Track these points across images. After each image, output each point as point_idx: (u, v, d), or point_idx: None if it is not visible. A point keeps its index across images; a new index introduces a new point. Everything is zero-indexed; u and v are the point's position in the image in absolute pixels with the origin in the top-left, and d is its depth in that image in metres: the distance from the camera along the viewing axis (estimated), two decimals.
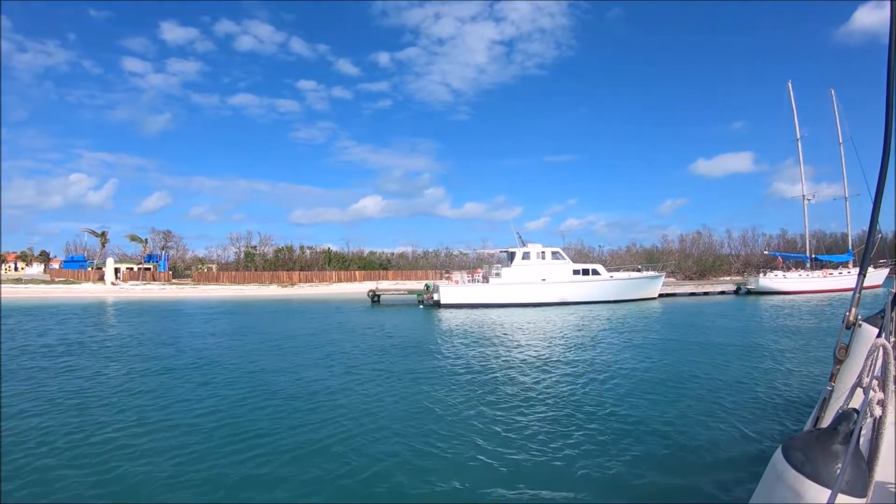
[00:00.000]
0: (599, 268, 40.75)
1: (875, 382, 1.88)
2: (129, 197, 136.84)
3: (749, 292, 46.60)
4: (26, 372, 14.52)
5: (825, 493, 1.63)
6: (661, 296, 42.80)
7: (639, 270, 45.38)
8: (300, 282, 67.74)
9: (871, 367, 1.94)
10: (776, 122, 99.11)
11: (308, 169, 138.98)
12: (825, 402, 2.42)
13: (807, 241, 51.66)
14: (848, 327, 2.46)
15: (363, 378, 13.50)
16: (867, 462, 1.76)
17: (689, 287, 48.93)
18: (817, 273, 47.86)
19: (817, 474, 1.70)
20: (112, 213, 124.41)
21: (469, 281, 40.29)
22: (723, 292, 47.20)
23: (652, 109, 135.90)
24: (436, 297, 38.14)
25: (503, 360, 15.91)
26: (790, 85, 49.90)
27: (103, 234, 71.81)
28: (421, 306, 38.82)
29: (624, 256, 78.10)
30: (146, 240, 72.85)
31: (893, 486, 1.90)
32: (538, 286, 38.01)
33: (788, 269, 50.36)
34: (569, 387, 12.29)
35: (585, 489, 6.81)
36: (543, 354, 16.95)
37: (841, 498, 1.60)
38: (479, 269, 44.16)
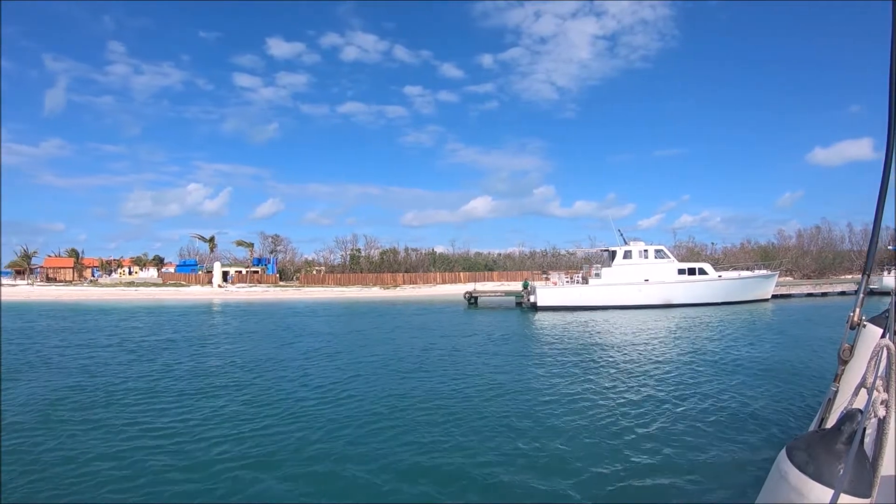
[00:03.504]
0: (707, 267, 39.47)
1: (879, 383, 1.91)
2: (243, 204, 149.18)
3: (872, 292, 43.49)
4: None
5: (828, 493, 1.67)
6: (774, 297, 40.96)
7: (750, 269, 43.59)
8: (403, 283, 70.66)
9: (875, 367, 1.95)
10: None
11: (418, 172, 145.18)
12: (830, 402, 2.47)
13: None
14: (852, 328, 2.51)
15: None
16: (871, 462, 1.80)
17: (805, 287, 46.60)
18: None
19: (820, 474, 1.75)
20: (226, 219, 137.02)
21: (567, 282, 39.84)
22: (843, 293, 44.41)
23: (762, 96, 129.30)
24: (532, 299, 38.00)
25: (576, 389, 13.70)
26: None
27: (211, 240, 78.43)
28: (519, 308, 39.05)
29: (737, 254, 75.07)
30: (252, 244, 78.47)
31: None
32: (640, 287, 37.18)
33: None
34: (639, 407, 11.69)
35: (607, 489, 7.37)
36: (626, 370, 15.87)
37: (845, 498, 1.64)
38: (578, 270, 43.96)
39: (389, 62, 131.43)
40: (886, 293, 41.73)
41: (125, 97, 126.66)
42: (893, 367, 1.90)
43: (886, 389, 1.89)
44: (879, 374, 1.94)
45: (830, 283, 49.26)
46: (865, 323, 2.85)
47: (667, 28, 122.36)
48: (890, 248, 56.90)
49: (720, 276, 38.88)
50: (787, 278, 56.94)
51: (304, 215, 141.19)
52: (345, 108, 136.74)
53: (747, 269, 43.64)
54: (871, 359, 1.99)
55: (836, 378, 2.45)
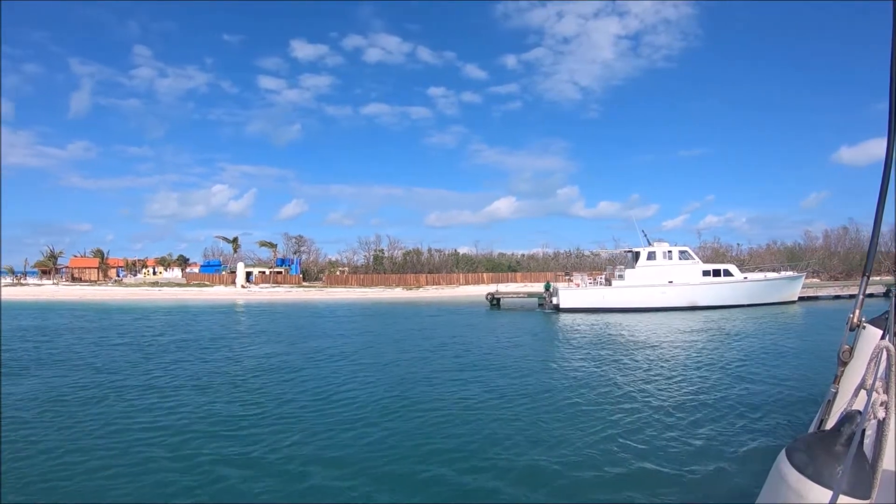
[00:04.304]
0: (732, 268, 39.27)
1: (879, 384, 1.92)
2: (268, 205, 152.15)
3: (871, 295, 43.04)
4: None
5: (828, 494, 1.67)
6: (801, 299, 40.55)
7: (776, 271, 43.20)
8: (427, 284, 71.38)
9: (874, 368, 1.96)
10: None
11: (442, 173, 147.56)
12: (829, 403, 2.47)
13: None
14: (852, 329, 2.52)
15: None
16: (871, 464, 1.80)
17: (832, 289, 46.21)
18: None
19: (819, 476, 1.75)
20: (251, 220, 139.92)
21: (590, 283, 39.82)
22: (871, 294, 43.59)
23: (786, 95, 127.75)
24: (555, 300, 37.98)
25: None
26: None
27: (235, 240, 79.70)
28: (541, 310, 39.20)
29: (763, 255, 74.43)
30: (275, 245, 79.64)
31: None
32: (664, 289, 36.99)
33: None
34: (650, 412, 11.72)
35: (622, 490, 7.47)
36: (647, 373, 15.78)
37: (844, 499, 1.65)
38: (602, 271, 43.91)
39: (413, 63, 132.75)
40: None
41: (151, 100, 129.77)
42: (893, 369, 1.92)
43: (886, 391, 1.91)
44: (879, 375, 1.96)
45: (858, 285, 48.70)
46: (865, 324, 2.86)
47: (690, 27, 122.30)
48: None
49: (746, 278, 38.53)
50: (814, 280, 56.37)
51: (328, 216, 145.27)
52: (368, 109, 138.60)
53: (773, 271, 43.20)
54: (870, 360, 2.01)
55: (836, 379, 2.48)
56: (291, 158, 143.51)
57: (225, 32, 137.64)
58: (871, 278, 2.65)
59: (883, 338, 2.45)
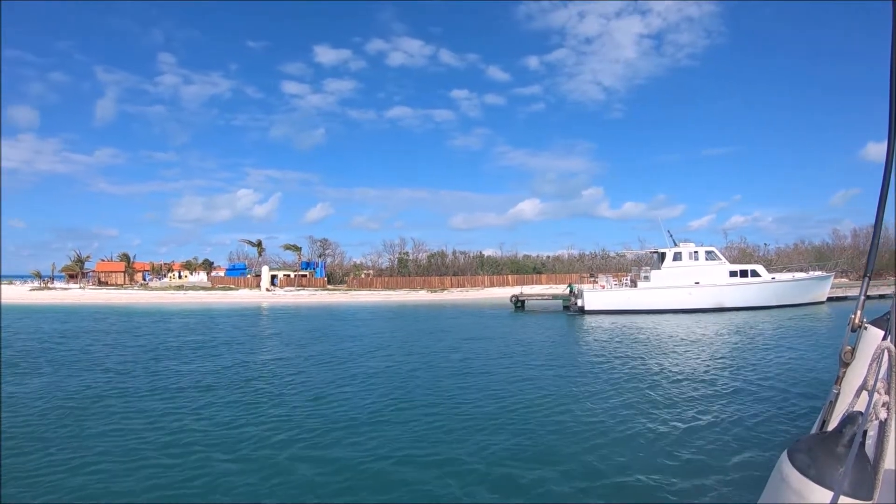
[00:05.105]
0: (759, 268, 39.01)
1: (880, 385, 1.92)
2: (293, 209, 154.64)
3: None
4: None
5: (829, 495, 1.68)
6: (829, 299, 40.11)
7: (804, 271, 42.79)
8: (451, 287, 71.98)
9: (876, 369, 1.96)
10: None
11: (466, 175, 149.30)
12: (831, 405, 2.47)
13: None
14: (854, 330, 2.52)
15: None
16: (872, 465, 1.81)
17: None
18: None
19: (821, 477, 1.76)
20: (276, 224, 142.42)
21: (615, 285, 39.80)
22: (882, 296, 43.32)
23: (812, 92, 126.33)
24: (580, 302, 37.84)
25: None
26: None
27: (259, 244, 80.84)
28: (566, 312, 39.20)
29: (791, 255, 73.73)
30: (300, 248, 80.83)
31: None
32: (690, 290, 36.80)
33: None
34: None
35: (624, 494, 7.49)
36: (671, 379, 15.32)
37: (845, 500, 1.66)
38: (627, 273, 43.88)
39: (435, 66, 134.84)
40: None
41: (176, 106, 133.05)
42: (894, 370, 1.92)
43: (888, 392, 1.92)
44: (881, 376, 1.96)
45: (888, 285, 48.20)
46: (867, 325, 2.87)
47: (713, 25, 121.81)
48: None
49: (773, 279, 38.27)
50: (843, 279, 55.85)
51: (353, 219, 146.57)
52: (392, 112, 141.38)
53: (801, 271, 42.81)
54: (871, 361, 2.00)
55: (838, 380, 2.48)
56: (316, 162, 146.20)
57: (249, 39, 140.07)
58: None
59: (884, 338, 2.43)
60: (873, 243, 2.35)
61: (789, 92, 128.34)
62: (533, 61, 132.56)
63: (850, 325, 2.48)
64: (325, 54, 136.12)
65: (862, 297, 2.45)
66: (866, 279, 2.49)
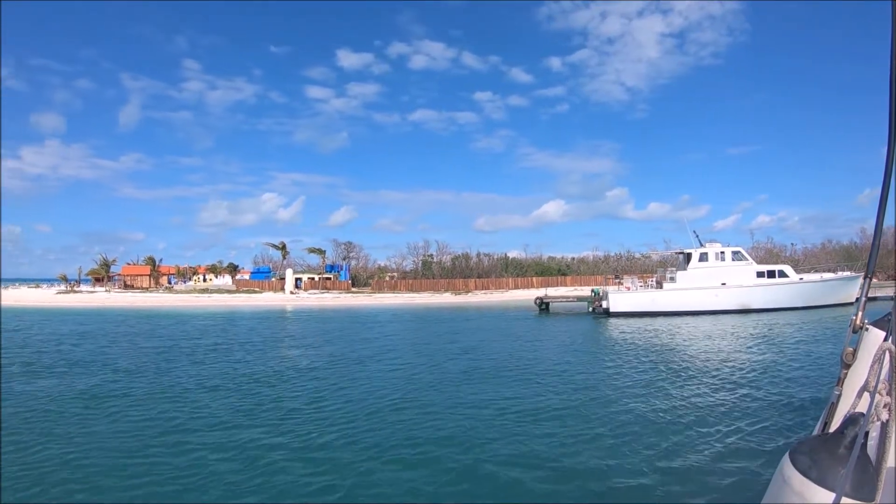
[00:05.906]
0: (787, 269, 38.61)
1: (882, 386, 1.92)
2: (317, 212, 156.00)
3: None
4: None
5: (831, 496, 1.68)
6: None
7: (833, 271, 42.18)
8: (475, 289, 72.23)
9: (877, 370, 1.96)
10: None
11: (490, 177, 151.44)
12: (833, 406, 2.48)
13: None
14: (855, 331, 2.53)
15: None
16: (874, 466, 1.81)
17: (891, 289, 45.11)
18: None
19: (823, 479, 1.76)
20: (301, 227, 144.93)
21: (641, 286, 39.74)
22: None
23: (837, 90, 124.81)
24: (605, 304, 37.65)
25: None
26: None
27: (283, 247, 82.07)
28: (592, 314, 39.09)
29: (819, 255, 72.91)
30: (324, 251, 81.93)
31: None
32: (716, 291, 36.52)
33: None
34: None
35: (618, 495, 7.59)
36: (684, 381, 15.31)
37: (847, 502, 1.67)
38: (652, 274, 43.73)
39: (458, 69, 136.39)
40: None
41: (201, 112, 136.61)
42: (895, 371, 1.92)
43: (889, 393, 1.92)
44: (882, 377, 1.96)
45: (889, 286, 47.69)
46: (868, 326, 2.87)
47: (736, 23, 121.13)
48: None
49: (801, 279, 37.85)
50: (874, 280, 55.09)
51: (377, 222, 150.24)
52: (415, 115, 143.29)
53: (829, 271, 42.33)
54: (873, 362, 2.01)
55: (839, 382, 2.46)
56: (340, 165, 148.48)
57: (271, 44, 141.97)
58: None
59: (886, 339, 2.45)
60: (874, 244, 2.34)
61: (812, 90, 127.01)
62: (555, 62, 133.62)
63: (852, 326, 2.48)
64: (348, 58, 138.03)
65: (863, 299, 2.45)
66: (867, 280, 2.48)
